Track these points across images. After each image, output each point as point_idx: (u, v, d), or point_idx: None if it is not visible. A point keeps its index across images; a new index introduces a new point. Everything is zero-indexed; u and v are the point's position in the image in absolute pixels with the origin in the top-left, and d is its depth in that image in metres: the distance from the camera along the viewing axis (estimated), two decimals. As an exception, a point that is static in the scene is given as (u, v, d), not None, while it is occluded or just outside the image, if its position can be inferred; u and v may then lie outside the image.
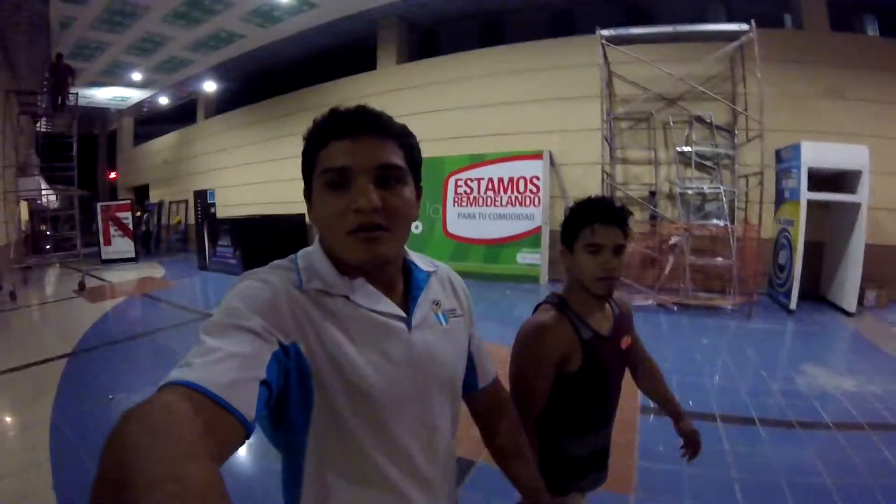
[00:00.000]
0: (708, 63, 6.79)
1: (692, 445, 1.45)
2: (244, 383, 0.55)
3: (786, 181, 6.53)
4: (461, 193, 8.80)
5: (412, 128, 0.79)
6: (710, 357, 4.53)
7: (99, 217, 12.76)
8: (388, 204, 0.70)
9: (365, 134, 0.71)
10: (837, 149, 6.08)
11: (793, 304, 6.00)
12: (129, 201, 14.04)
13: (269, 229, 9.50)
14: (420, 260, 0.87)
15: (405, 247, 0.82)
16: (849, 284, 6.05)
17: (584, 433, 1.27)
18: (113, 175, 21.04)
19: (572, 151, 8.11)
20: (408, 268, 0.84)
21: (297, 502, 0.72)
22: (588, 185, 7.43)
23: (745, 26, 6.37)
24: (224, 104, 15.04)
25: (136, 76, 13.48)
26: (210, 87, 14.06)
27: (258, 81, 13.77)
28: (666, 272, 6.84)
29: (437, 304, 0.84)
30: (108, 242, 12.68)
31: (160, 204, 16.62)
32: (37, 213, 14.90)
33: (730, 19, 7.07)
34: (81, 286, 8.35)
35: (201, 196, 11.68)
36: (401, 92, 9.91)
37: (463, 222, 8.80)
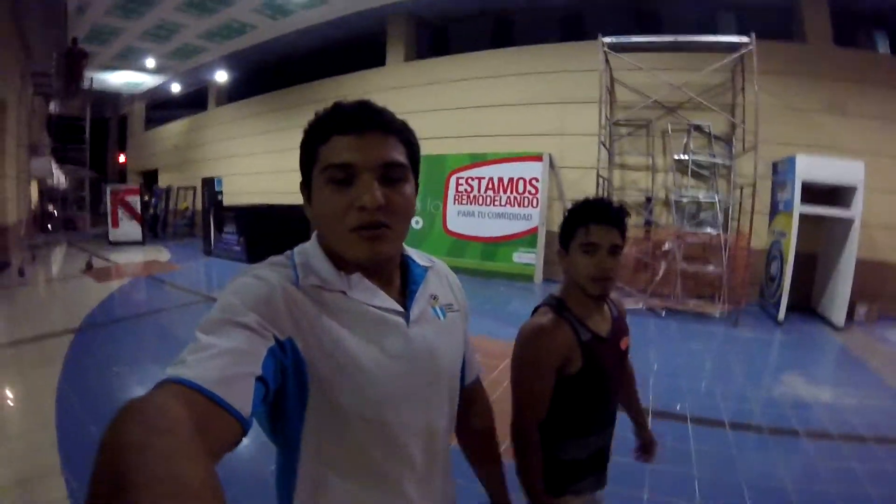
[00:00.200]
0: (708, 73, 6.85)
1: (648, 452, 1.53)
2: (239, 379, 0.55)
3: (781, 193, 6.58)
4: (462, 191, 8.94)
5: (416, 125, 0.79)
6: (690, 361, 4.62)
7: (108, 200, 13.03)
8: (391, 201, 0.69)
9: (370, 130, 0.70)
10: (833, 163, 6.12)
11: (781, 316, 6.03)
12: (138, 186, 14.30)
13: (274, 218, 9.65)
14: (417, 255, 0.87)
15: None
16: (839, 298, 6.06)
17: (584, 435, 1.25)
18: (123, 158, 21.28)
19: (571, 155, 8.22)
20: (405, 263, 0.84)
21: (291, 497, 0.71)
22: (586, 188, 7.54)
23: (745, 38, 6.40)
24: (235, 93, 15.21)
25: (150, 62, 13.67)
26: (221, 76, 14.22)
27: (268, 72, 13.93)
28: (658, 277, 6.96)
29: (434, 298, 0.83)
30: (116, 225, 12.94)
31: (168, 189, 16.85)
32: (46, 192, 15.20)
33: (740, 29, 7.07)
34: (89, 266, 8.57)
35: (209, 183, 11.88)
36: (407, 89, 10.02)
37: (462, 220, 8.94)
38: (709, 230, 6.96)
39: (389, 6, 9.91)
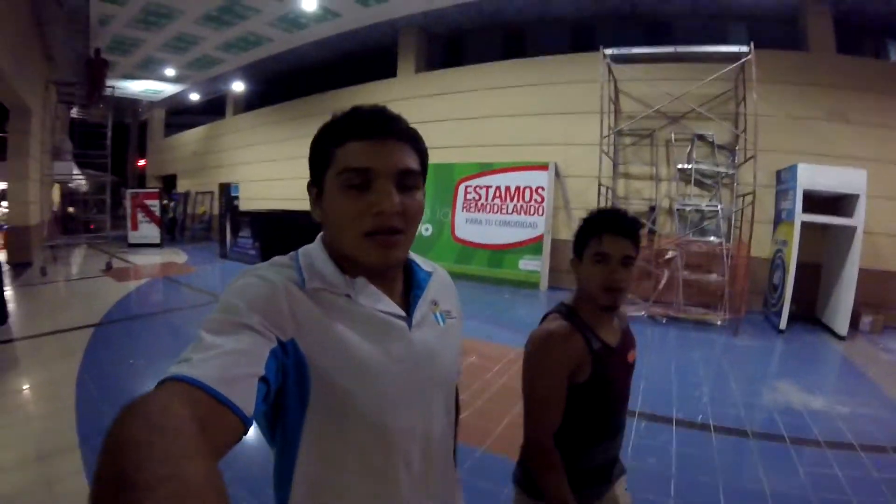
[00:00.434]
0: (710, 83, 6.91)
1: None
2: (243, 379, 0.55)
3: (783, 202, 6.60)
4: (470, 199, 9.11)
5: (426, 134, 0.81)
6: (686, 367, 4.65)
7: (128, 204, 13.45)
8: (406, 207, 0.70)
9: (387, 137, 0.70)
10: (835, 172, 6.08)
11: (782, 325, 6.01)
12: (157, 190, 14.73)
13: (287, 224, 9.88)
14: (420, 260, 0.87)
15: None
16: (842, 308, 5.99)
17: (590, 446, 1.22)
18: (142, 163, 21.83)
19: (577, 164, 8.33)
20: (409, 267, 0.84)
21: (288, 497, 0.71)
22: (591, 197, 7.65)
23: (744, 48, 6.46)
24: (252, 102, 15.63)
25: (169, 71, 14.06)
26: (238, 85, 14.60)
27: (284, 82, 14.29)
28: (661, 286, 7.02)
29: (435, 304, 0.84)
30: (135, 227, 13.37)
31: (187, 194, 17.30)
32: (68, 195, 15.71)
33: (750, 37, 7.07)
34: (109, 266, 8.90)
35: (226, 189, 12.17)
36: (418, 99, 10.24)
37: (470, 227, 9.10)
38: (711, 239, 6.98)
39: (401, 19, 10.14)
